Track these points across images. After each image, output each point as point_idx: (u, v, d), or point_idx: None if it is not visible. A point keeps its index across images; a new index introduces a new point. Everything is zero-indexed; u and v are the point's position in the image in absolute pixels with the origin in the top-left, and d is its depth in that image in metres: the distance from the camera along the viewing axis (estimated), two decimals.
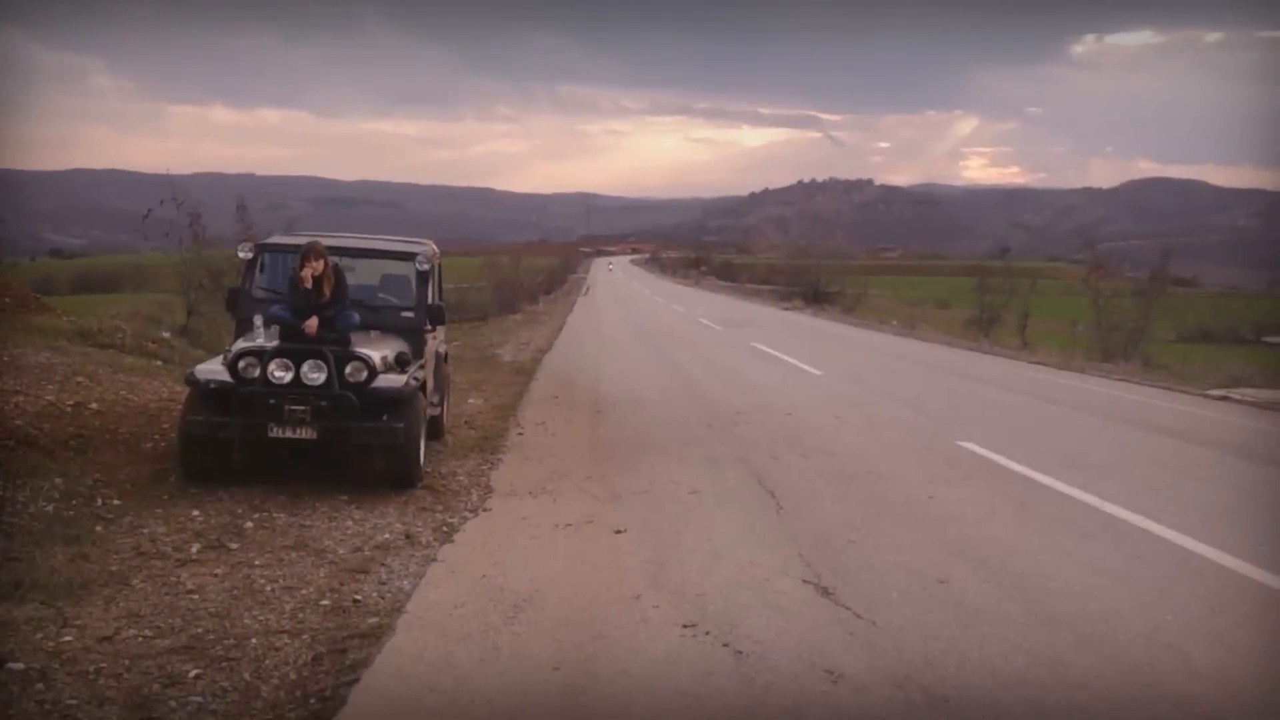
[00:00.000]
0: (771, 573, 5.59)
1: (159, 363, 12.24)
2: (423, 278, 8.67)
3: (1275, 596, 5.34)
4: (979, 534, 6.46)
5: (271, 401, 7.05)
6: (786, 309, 44.03)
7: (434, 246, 9.41)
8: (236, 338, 8.09)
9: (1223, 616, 4.96)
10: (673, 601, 5.11)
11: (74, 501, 6.46)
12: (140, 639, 4.55)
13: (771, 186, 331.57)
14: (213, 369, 7.38)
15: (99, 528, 6.08)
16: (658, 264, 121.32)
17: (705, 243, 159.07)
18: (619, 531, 6.47)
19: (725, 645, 4.51)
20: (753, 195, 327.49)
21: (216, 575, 5.47)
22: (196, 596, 5.13)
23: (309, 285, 7.45)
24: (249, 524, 6.44)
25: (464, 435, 9.90)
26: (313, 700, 3.98)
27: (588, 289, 58.25)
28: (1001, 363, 20.15)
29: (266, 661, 4.36)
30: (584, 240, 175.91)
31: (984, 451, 9.24)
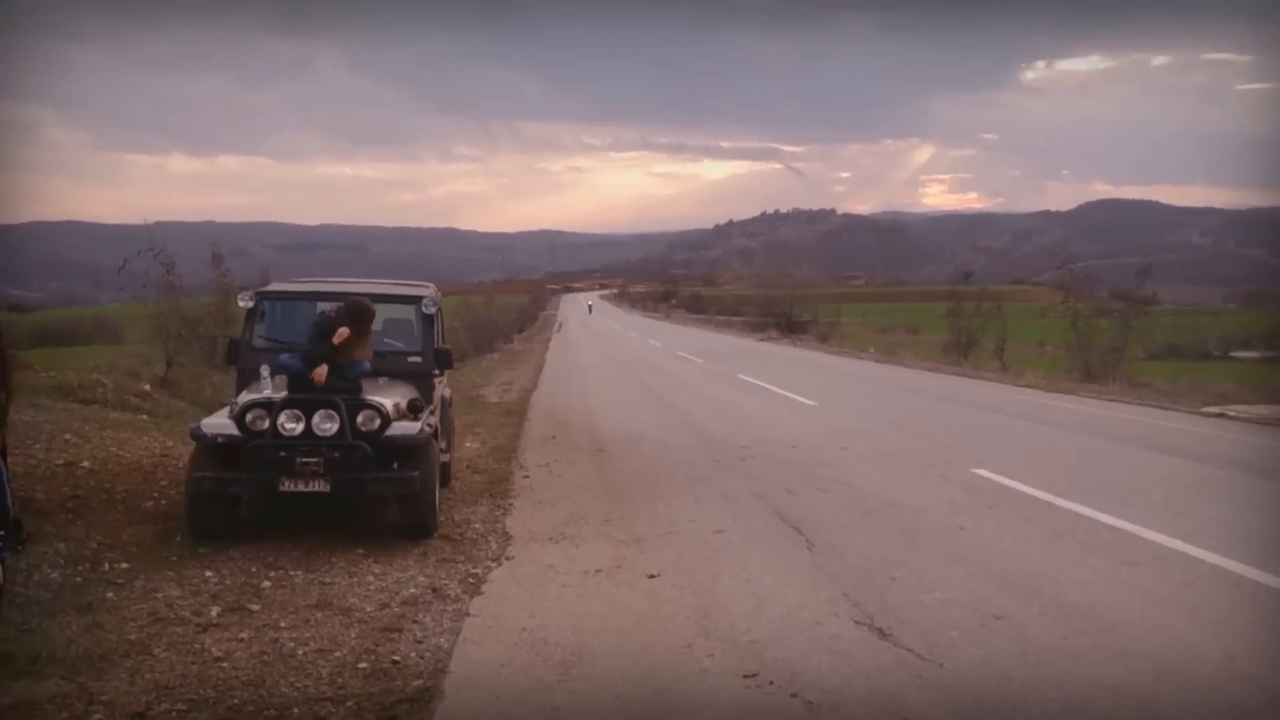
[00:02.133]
0: (821, 615, 5.41)
1: (144, 417, 11.93)
2: (429, 321, 8.48)
3: None
4: (1021, 565, 6.33)
5: (282, 454, 6.81)
6: (763, 339, 44.06)
7: (436, 289, 9.22)
8: (239, 389, 7.85)
9: None
10: (727, 650, 4.92)
11: (80, 567, 6.19)
12: (175, 714, 4.30)
13: (736, 218, 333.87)
14: (219, 422, 7.13)
15: (110, 594, 5.82)
16: (626, 299, 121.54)
17: (672, 276, 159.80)
18: (652, 576, 6.28)
19: (793, 696, 4.33)
20: (717, 228, 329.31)
21: (242, 640, 5.21)
22: (226, 664, 4.87)
23: (338, 344, 7.18)
24: (266, 583, 6.18)
25: (470, 480, 9.67)
26: None
27: (560, 325, 58.08)
28: (990, 387, 20.18)
29: None
30: (551, 277, 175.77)
31: (1001, 479, 9.14)
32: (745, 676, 4.56)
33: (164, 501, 7.95)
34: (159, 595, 5.85)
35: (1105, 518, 7.54)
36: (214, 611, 5.64)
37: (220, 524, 7.02)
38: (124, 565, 6.36)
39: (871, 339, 41.75)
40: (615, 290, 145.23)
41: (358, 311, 7.30)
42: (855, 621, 5.29)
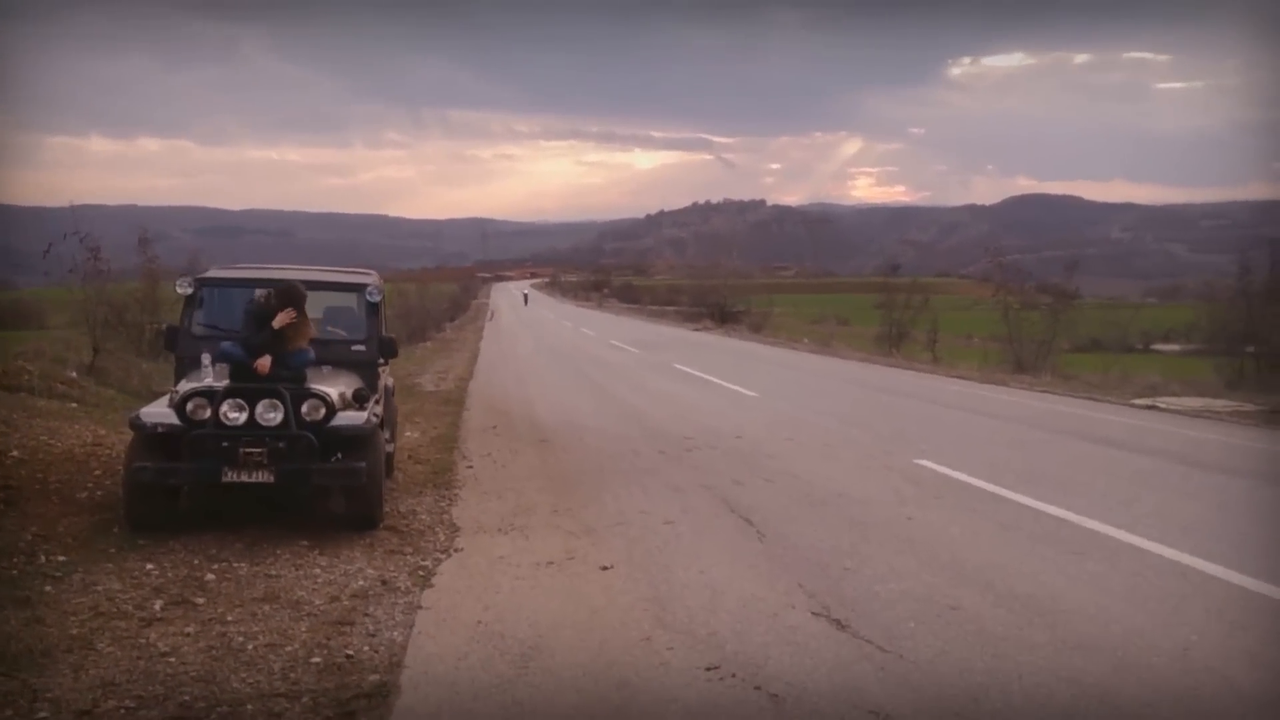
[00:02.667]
0: (778, 606, 5.43)
1: (73, 405, 11.55)
2: (373, 309, 8.32)
3: (1277, 609, 5.40)
4: (972, 556, 6.42)
5: (225, 444, 6.63)
6: (697, 329, 44.23)
7: (378, 276, 9.06)
8: (178, 377, 7.62)
9: (1246, 634, 4.98)
10: (686, 642, 4.91)
11: (16, 559, 5.95)
12: (123, 710, 4.15)
13: (667, 208, 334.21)
14: (158, 411, 6.92)
15: (48, 587, 5.60)
16: (558, 288, 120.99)
17: (604, 265, 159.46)
18: (605, 568, 6.24)
19: (757, 688, 4.33)
20: (649, 217, 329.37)
21: (188, 634, 5.06)
22: (173, 659, 4.72)
23: (278, 328, 7.03)
24: (210, 576, 6.01)
25: (412, 471, 9.52)
26: None
27: (492, 314, 57.58)
28: (925, 378, 20.50)
29: None
30: (481, 265, 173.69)
31: (944, 469, 9.28)
32: (707, 669, 4.55)
33: (99, 492, 7.69)
34: (99, 588, 5.65)
35: (1049, 508, 7.70)
36: (157, 605, 5.47)
37: (160, 515, 6.82)
38: (61, 558, 6.13)
39: (804, 330, 42.14)
40: (546, 279, 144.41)
41: (291, 294, 7.16)
42: (813, 613, 5.32)
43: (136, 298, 18.07)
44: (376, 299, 8.28)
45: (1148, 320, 46.35)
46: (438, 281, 71.08)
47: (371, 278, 8.71)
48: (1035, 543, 6.77)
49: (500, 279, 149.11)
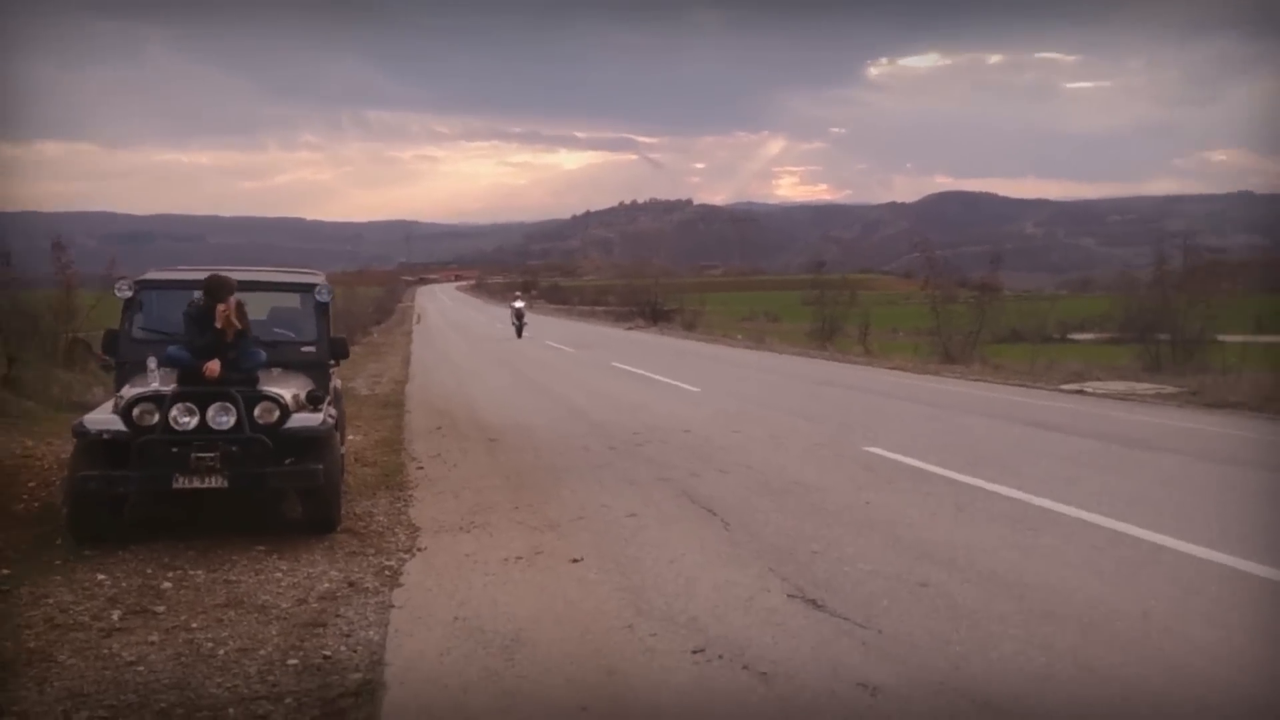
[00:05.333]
0: (753, 590, 5.47)
1: None
2: (322, 309, 8.18)
3: (1225, 573, 5.61)
4: (933, 536, 6.55)
5: (175, 450, 6.46)
6: (630, 328, 44.29)
7: (325, 277, 8.90)
8: (119, 383, 7.40)
9: (1200, 597, 5.17)
10: (668, 628, 4.92)
11: None
12: None
13: (593, 209, 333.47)
14: (103, 418, 6.69)
15: None
16: (485, 290, 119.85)
17: (530, 266, 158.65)
18: (576, 561, 6.22)
19: (745, 668, 4.36)
20: (575, 218, 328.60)
21: (153, 643, 4.92)
22: (141, 668, 4.59)
23: (221, 325, 6.87)
24: (166, 584, 5.85)
25: (361, 474, 9.37)
26: None
27: (419, 317, 56.86)
28: (862, 370, 20.82)
29: None
30: (404, 268, 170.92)
31: (895, 456, 9.44)
32: (693, 652, 4.57)
33: (35, 504, 7.46)
34: (50, 600, 5.46)
35: (1000, 488, 7.89)
36: (115, 615, 5.31)
37: (106, 525, 6.61)
38: (5, 571, 5.91)
39: (736, 326, 42.49)
40: (472, 281, 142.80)
41: (219, 287, 6.99)
42: (788, 595, 5.37)
43: (51, 306, 17.45)
44: (326, 299, 8.14)
45: (1063, 311, 47.76)
46: (361, 285, 69.93)
47: (320, 278, 8.57)
48: (991, 522, 6.93)
49: (425, 281, 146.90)
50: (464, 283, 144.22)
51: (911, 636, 4.68)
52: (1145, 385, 15.67)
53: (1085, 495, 7.61)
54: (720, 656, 4.50)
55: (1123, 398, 14.44)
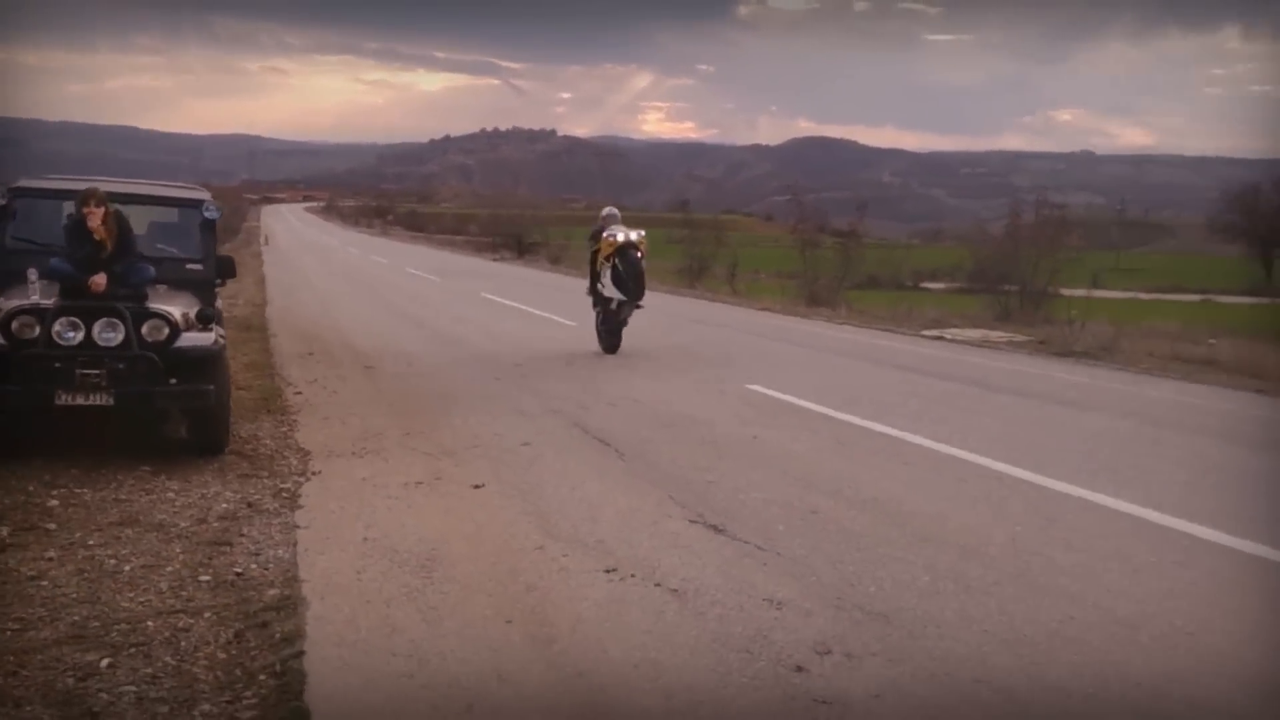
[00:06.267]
0: (656, 516, 5.72)
1: None
2: (209, 226, 7.92)
3: (1081, 505, 6.17)
4: (819, 468, 6.93)
5: (58, 365, 6.23)
6: (496, 259, 43.82)
7: (209, 193, 8.60)
8: None
9: (1058, 526, 5.69)
10: (578, 550, 5.12)
11: None
12: (9, 633, 3.97)
13: (453, 134, 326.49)
14: None
15: None
16: (336, 212, 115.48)
17: (385, 191, 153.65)
18: (478, 486, 6.34)
19: (657, 585, 4.61)
20: (433, 142, 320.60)
21: (51, 559, 4.84)
22: (45, 583, 4.53)
23: (98, 237, 6.60)
24: (53, 502, 5.71)
25: (239, 397, 9.11)
26: (263, 676, 3.67)
27: (267, 239, 54.71)
28: (731, 310, 21.27)
29: (181, 643, 3.96)
30: (248, 186, 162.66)
31: (776, 393, 9.82)
32: (606, 571, 4.79)
33: None
34: None
35: (876, 425, 8.36)
36: (4, 531, 5.16)
37: None
38: None
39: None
40: (321, 203, 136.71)
41: (89, 196, 6.73)
42: (689, 520, 5.64)
43: None
44: (215, 216, 7.90)
45: (916, 260, 49.78)
46: None
47: (205, 194, 8.28)
48: (870, 456, 7.37)
49: (270, 201, 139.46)
50: (313, 204, 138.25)
51: (808, 558, 5.01)
52: (998, 333, 16.61)
53: (952, 432, 8.15)
54: (633, 575, 4.73)
55: (979, 344, 15.31)
